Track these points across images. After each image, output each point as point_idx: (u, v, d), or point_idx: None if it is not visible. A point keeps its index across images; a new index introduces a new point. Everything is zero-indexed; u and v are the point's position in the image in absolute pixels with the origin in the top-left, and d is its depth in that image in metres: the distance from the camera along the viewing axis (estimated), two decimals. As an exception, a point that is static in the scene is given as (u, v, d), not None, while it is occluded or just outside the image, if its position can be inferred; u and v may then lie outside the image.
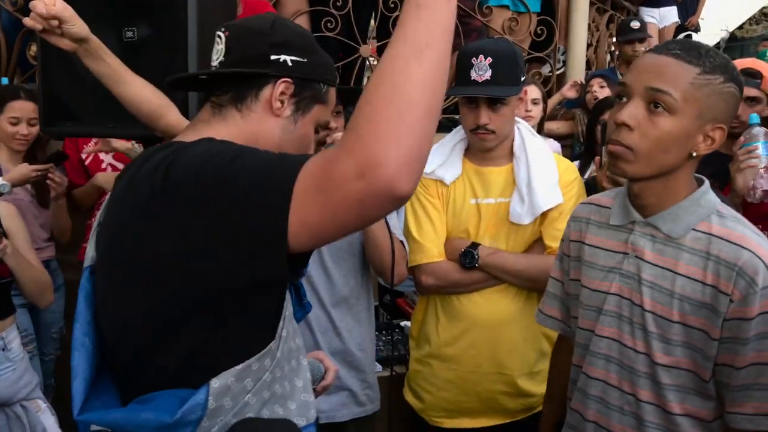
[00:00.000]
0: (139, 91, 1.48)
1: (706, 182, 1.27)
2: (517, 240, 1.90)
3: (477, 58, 1.76)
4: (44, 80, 1.98)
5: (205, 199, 0.86)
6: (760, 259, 1.15)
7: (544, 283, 1.85)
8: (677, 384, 1.23)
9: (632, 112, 1.18)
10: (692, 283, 1.20)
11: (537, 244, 1.90)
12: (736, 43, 22.28)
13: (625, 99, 1.21)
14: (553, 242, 1.85)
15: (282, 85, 1.06)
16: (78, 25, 1.39)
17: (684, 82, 1.15)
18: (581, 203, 1.50)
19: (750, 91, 2.31)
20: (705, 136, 1.19)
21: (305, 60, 1.08)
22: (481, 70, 1.76)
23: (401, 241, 1.91)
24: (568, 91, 3.94)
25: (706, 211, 1.23)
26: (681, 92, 1.15)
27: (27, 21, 1.37)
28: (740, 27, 22.99)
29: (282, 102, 1.07)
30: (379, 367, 2.62)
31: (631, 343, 1.28)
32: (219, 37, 1.10)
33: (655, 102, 1.16)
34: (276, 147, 1.06)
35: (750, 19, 22.97)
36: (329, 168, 0.78)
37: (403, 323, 2.87)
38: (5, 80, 3.20)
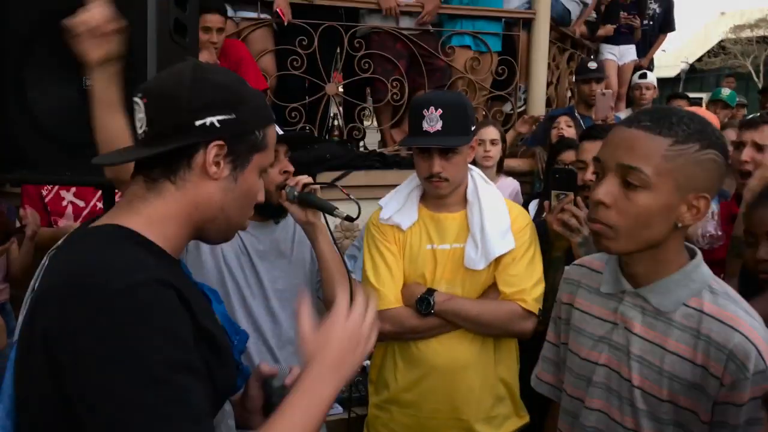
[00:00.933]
0: (121, 127, 1.42)
1: (699, 254, 1.24)
2: (473, 285, 1.93)
3: (428, 110, 1.82)
4: None
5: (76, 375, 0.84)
6: (752, 343, 1.11)
7: (498, 328, 1.90)
8: None
9: (608, 189, 1.15)
10: (682, 362, 1.17)
11: (491, 289, 1.93)
12: (695, 74, 23.05)
13: (601, 174, 1.18)
14: (507, 287, 1.89)
15: (214, 149, 1.01)
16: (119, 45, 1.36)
17: (655, 156, 1.11)
18: (573, 265, 1.46)
19: None
20: (689, 206, 1.14)
21: (233, 116, 1.02)
22: (432, 121, 1.81)
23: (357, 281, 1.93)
24: (521, 127, 4.04)
25: (699, 286, 1.19)
26: (653, 167, 1.11)
27: (79, 19, 1.33)
28: (699, 59, 23.81)
29: (218, 164, 1.02)
30: (339, 408, 2.62)
31: (620, 418, 1.24)
32: (137, 104, 1.03)
33: (628, 178, 1.13)
34: (218, 209, 1.05)
35: (708, 52, 23.82)
36: None
37: (365, 363, 2.86)
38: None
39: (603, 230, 1.17)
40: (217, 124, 1.00)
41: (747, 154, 2.34)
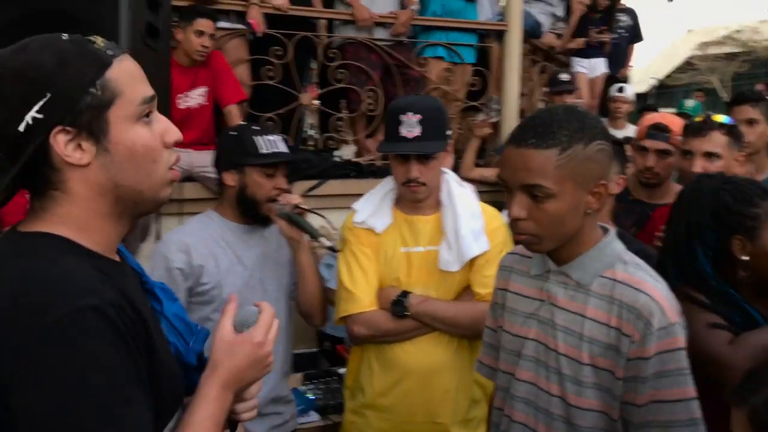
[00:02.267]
0: None
1: (611, 232, 1.37)
2: (447, 287, 1.93)
3: (405, 115, 1.83)
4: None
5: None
6: (655, 301, 1.24)
7: (474, 329, 1.90)
8: (590, 426, 1.29)
9: (520, 206, 1.28)
10: (599, 326, 1.29)
11: (466, 291, 1.94)
12: (665, 90, 23.54)
13: (510, 192, 1.31)
14: (481, 289, 1.90)
15: (58, 140, 0.88)
16: None
17: (549, 168, 1.23)
18: (507, 254, 1.57)
19: (659, 145, 2.44)
20: (591, 194, 1.28)
21: (48, 95, 0.87)
22: (411, 126, 1.82)
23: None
24: (480, 131, 4.07)
25: (611, 260, 1.33)
26: (551, 178, 1.23)
27: None
28: (668, 76, 24.34)
29: (78, 147, 0.90)
30: (316, 416, 2.61)
31: (546, 386, 1.35)
32: None
33: (533, 193, 1.26)
34: (114, 187, 0.93)
35: (677, 68, 24.36)
36: None
37: (341, 370, 2.86)
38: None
39: (528, 239, 1.31)
40: (40, 116, 0.87)
41: (699, 165, 2.24)
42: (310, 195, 3.65)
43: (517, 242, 1.34)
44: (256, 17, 3.72)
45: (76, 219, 0.93)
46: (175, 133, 0.98)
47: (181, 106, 3.40)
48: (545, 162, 1.23)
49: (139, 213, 1.01)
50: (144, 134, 0.94)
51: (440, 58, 4.27)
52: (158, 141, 0.96)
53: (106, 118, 0.91)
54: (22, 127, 0.87)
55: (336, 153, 4.24)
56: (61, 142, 0.88)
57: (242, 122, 3.15)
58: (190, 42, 3.35)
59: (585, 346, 1.29)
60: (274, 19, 3.84)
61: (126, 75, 0.93)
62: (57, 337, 0.80)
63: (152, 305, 1.10)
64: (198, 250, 1.93)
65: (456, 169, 3.32)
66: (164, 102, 1.91)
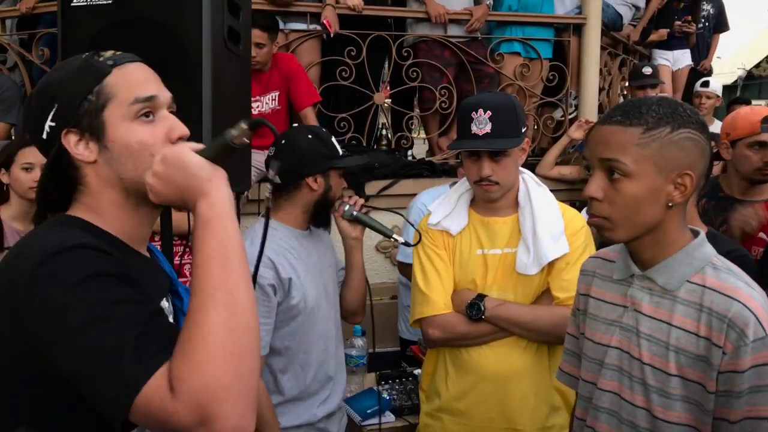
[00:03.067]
0: None
1: (702, 234, 1.29)
2: (525, 291, 1.88)
3: (476, 112, 1.79)
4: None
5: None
6: (750, 311, 1.15)
7: (552, 335, 1.85)
8: None
9: (597, 185, 1.24)
10: (686, 335, 1.21)
11: (545, 294, 1.89)
12: (753, 81, 22.24)
13: (591, 172, 1.28)
14: (561, 293, 1.84)
15: (69, 142, 1.03)
16: None
17: (630, 145, 1.19)
18: (590, 257, 1.51)
19: None
20: (675, 185, 1.21)
21: (55, 105, 1.03)
22: (481, 123, 1.79)
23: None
24: (575, 132, 3.91)
25: (701, 263, 1.24)
26: (630, 156, 1.19)
27: None
28: (757, 65, 22.98)
29: (86, 146, 1.03)
30: (391, 416, 2.60)
31: (630, 397, 1.28)
32: None
33: (611, 170, 1.21)
34: (118, 180, 1.04)
35: (766, 58, 22.95)
36: (166, 412, 0.83)
37: (416, 371, 2.84)
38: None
39: (601, 222, 1.25)
40: (53, 123, 1.04)
41: None
42: (383, 195, 3.65)
43: (593, 226, 1.30)
44: (329, 17, 3.75)
45: (95, 207, 1.06)
46: (179, 130, 1.05)
47: (254, 112, 3.37)
48: (627, 138, 1.19)
49: (153, 203, 1.06)
50: (139, 131, 1.03)
51: (516, 53, 4.18)
52: (158, 137, 1.03)
53: (102, 119, 1.02)
54: (44, 134, 1.04)
55: (409, 152, 4.23)
56: (71, 143, 1.03)
57: (297, 124, 3.10)
58: None
59: (672, 355, 1.22)
60: (346, 20, 3.86)
61: (123, 80, 1.04)
62: (34, 282, 0.88)
63: (174, 302, 1.19)
64: (281, 264, 1.88)
65: (532, 166, 3.24)
66: (246, 104, 1.94)
